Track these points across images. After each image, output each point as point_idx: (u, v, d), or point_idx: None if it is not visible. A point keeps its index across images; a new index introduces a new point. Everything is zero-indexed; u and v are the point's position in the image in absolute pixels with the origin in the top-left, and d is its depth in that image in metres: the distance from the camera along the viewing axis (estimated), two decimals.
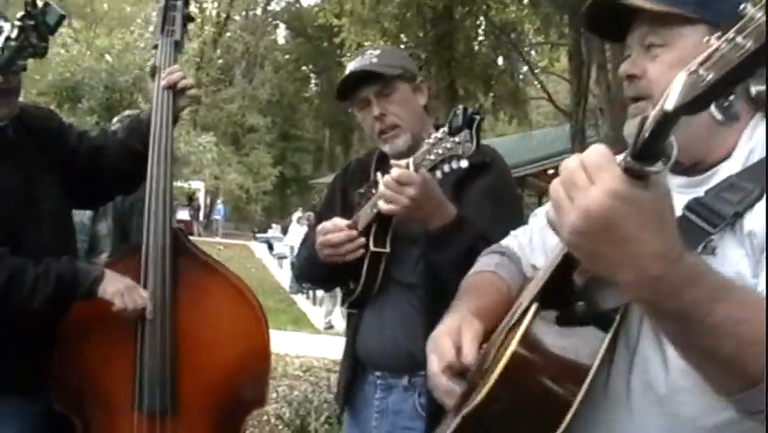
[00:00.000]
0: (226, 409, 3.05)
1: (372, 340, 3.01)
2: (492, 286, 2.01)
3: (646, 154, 1.13)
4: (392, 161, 2.70)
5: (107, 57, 26.02)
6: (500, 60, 16.47)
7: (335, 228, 2.86)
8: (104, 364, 3.00)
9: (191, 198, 40.41)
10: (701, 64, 1.04)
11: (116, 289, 2.84)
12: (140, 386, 2.94)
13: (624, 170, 1.15)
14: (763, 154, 1.58)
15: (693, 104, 1.05)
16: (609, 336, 1.52)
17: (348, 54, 14.64)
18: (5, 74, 2.45)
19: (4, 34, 2.46)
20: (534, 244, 2.10)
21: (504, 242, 2.23)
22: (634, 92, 1.73)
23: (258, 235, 36.75)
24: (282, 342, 11.76)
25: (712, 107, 1.06)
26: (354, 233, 2.83)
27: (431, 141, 2.48)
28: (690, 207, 1.56)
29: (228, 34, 51.27)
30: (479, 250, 2.27)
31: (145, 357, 2.94)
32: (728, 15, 1.63)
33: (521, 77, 17.73)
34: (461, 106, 2.45)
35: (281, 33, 57.08)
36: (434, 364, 1.76)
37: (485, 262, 2.17)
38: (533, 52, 17.90)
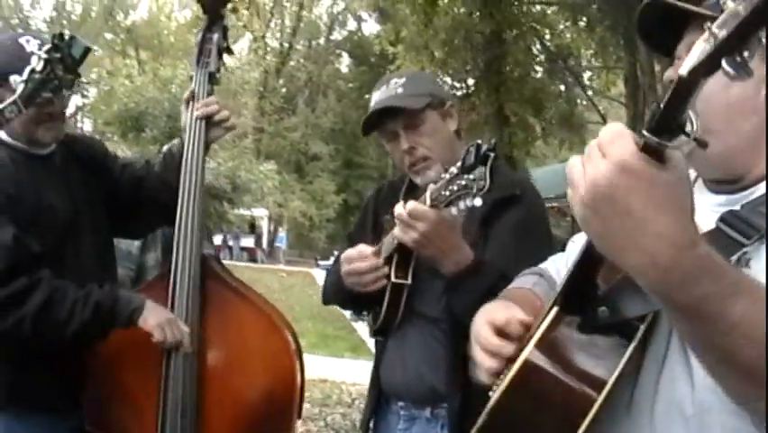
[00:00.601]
0: None
1: (395, 371, 2.96)
2: (526, 300, 1.92)
3: (664, 127, 1.08)
4: (401, 204, 2.62)
5: (171, 87, 26.46)
6: (554, 85, 16.37)
7: (359, 257, 2.83)
8: (132, 389, 3.03)
9: (253, 226, 40.75)
10: (717, 26, 1.00)
11: (158, 321, 2.87)
12: (163, 414, 2.95)
13: (642, 146, 1.10)
14: None
15: (706, 62, 1.00)
16: (632, 346, 1.45)
17: None
18: (28, 106, 2.47)
19: (30, 66, 2.49)
20: None
21: (542, 265, 2.17)
22: None
23: (320, 263, 36.83)
24: (339, 369, 11.75)
25: (723, 63, 0.99)
26: (379, 262, 2.78)
27: (447, 176, 2.42)
28: (725, 219, 1.49)
29: (291, 63, 51.77)
30: (500, 289, 2.17)
31: (170, 385, 2.95)
32: None
33: (578, 101, 17.61)
34: (475, 143, 2.37)
35: (344, 62, 57.41)
36: (483, 329, 1.72)
37: (522, 281, 2.12)
38: (587, 76, 17.76)
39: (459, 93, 15.86)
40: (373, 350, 3.18)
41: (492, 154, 2.34)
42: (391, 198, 3.05)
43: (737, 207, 1.51)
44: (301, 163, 49.52)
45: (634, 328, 1.44)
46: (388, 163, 54.79)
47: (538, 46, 15.77)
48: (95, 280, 2.96)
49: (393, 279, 2.79)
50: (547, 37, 15.42)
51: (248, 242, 42.46)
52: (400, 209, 2.56)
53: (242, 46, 47.74)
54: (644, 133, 1.09)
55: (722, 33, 0.98)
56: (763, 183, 1.53)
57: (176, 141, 3.37)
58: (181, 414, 2.94)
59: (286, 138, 48.73)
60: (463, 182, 2.34)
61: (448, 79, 15.43)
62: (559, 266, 2.10)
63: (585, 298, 1.48)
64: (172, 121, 24.88)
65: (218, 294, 3.08)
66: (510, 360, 1.61)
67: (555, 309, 1.53)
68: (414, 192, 2.84)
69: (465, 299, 2.36)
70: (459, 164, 2.37)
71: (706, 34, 1.01)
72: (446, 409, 2.75)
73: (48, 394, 2.97)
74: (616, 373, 1.43)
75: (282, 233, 44.73)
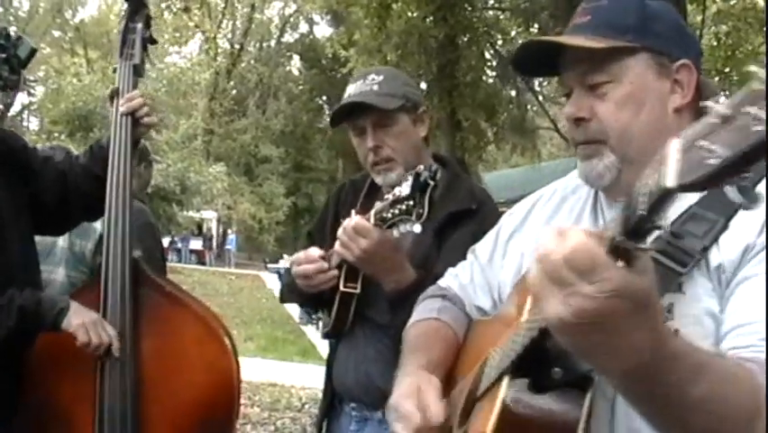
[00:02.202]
0: None
1: (347, 373, 2.96)
2: (437, 334, 1.95)
3: (640, 232, 1.05)
4: (353, 214, 2.65)
5: None
6: (506, 90, 16.51)
7: (306, 260, 2.82)
8: (65, 398, 2.94)
9: (201, 228, 40.62)
10: (705, 136, 0.93)
11: (81, 321, 2.78)
12: (100, 418, 2.88)
13: (612, 248, 1.08)
14: None
15: (705, 183, 0.94)
16: (589, 396, 1.44)
17: None
18: None
19: None
20: (477, 283, 2.05)
21: (443, 282, 2.18)
22: (584, 136, 1.68)
23: (269, 266, 36.76)
24: (289, 373, 11.73)
25: (727, 189, 0.96)
26: (325, 265, 2.78)
27: (390, 197, 2.45)
28: (659, 248, 1.46)
29: (242, 65, 51.69)
30: None
31: (105, 392, 2.88)
32: (668, 37, 1.58)
33: (529, 107, 17.76)
34: (414, 171, 2.41)
35: (295, 64, 57.37)
36: (401, 431, 1.70)
37: (426, 307, 2.10)
38: (538, 82, 17.91)
39: None
40: (323, 354, 3.17)
41: (432, 183, 2.38)
42: (352, 198, 3.10)
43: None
44: (251, 166, 49.49)
45: (589, 379, 1.44)
46: (339, 166, 55.02)
47: (491, 51, 15.86)
48: (21, 282, 2.88)
49: (342, 288, 2.81)
50: (500, 42, 15.52)
51: (196, 244, 42.23)
52: (346, 224, 2.59)
53: (192, 47, 47.61)
54: (621, 238, 1.07)
55: (720, 151, 0.91)
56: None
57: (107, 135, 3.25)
58: (120, 420, 2.88)
59: (236, 140, 48.71)
60: (404, 207, 2.39)
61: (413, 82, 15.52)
62: (462, 281, 2.11)
63: (537, 361, 1.47)
64: None
65: (151, 298, 3.01)
66: None
67: (507, 379, 1.52)
68: (374, 194, 2.87)
69: (407, 314, 2.30)
70: (401, 189, 2.41)
71: (687, 135, 0.96)
72: None
73: None
74: (583, 418, 1.43)
75: (231, 235, 44.55)
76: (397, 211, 2.41)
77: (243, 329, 17.98)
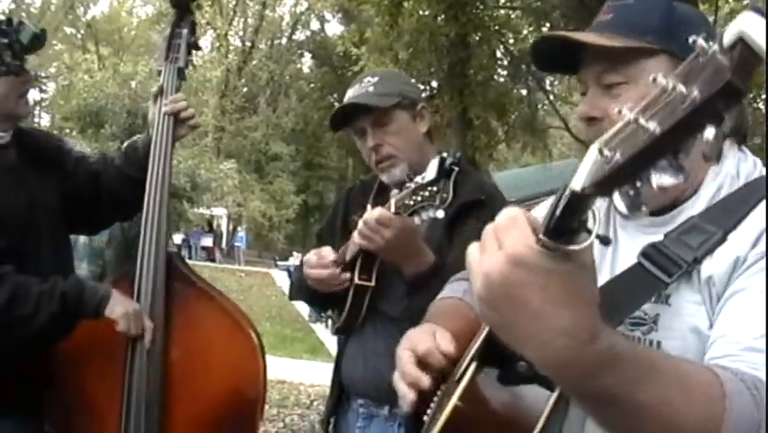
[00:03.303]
0: None
1: (356, 368, 3.00)
2: (457, 311, 1.92)
3: (561, 231, 1.02)
4: (369, 208, 2.69)
5: (132, 83, 26.39)
6: (517, 89, 16.47)
7: (319, 264, 2.89)
8: (92, 388, 2.98)
9: (211, 225, 40.67)
10: (612, 141, 0.93)
11: (125, 310, 2.84)
12: (127, 410, 2.92)
13: (541, 246, 1.04)
14: (731, 190, 1.53)
15: (598, 187, 0.93)
16: (555, 394, 1.43)
17: None
18: None
19: None
20: None
21: None
22: (596, 136, 1.65)
23: (279, 264, 36.79)
24: (297, 371, 11.78)
25: (615, 196, 0.94)
26: (337, 271, 2.85)
27: (412, 185, 2.46)
28: (646, 253, 1.50)
29: (253, 62, 51.73)
30: None
31: (133, 382, 2.92)
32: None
33: (540, 106, 17.73)
34: (440, 155, 2.42)
35: (306, 62, 57.45)
36: (405, 355, 1.71)
37: (451, 288, 2.12)
38: (549, 81, 17.86)
39: (423, 95, 15.98)
40: (331, 352, 3.19)
41: (456, 168, 2.39)
42: (361, 198, 3.15)
43: (658, 236, 1.51)
44: (261, 163, 49.53)
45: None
46: (349, 164, 55.09)
47: (502, 50, 15.82)
48: (53, 274, 2.92)
49: (357, 280, 2.85)
50: (511, 41, 15.49)
51: (206, 241, 42.27)
52: (367, 216, 2.62)
53: (204, 44, 47.75)
54: (541, 237, 1.03)
55: (617, 157, 0.91)
56: (688, 203, 1.56)
57: (137, 136, 3.34)
58: (145, 414, 2.91)
59: (246, 137, 48.74)
60: (427, 193, 2.40)
61: (412, 81, 15.51)
62: None
63: (503, 353, 1.41)
64: (132, 117, 24.86)
65: (183, 292, 3.05)
66: (430, 393, 1.66)
67: (474, 364, 1.54)
68: (384, 193, 2.88)
69: (425, 298, 2.34)
70: (423, 175, 2.42)
71: (604, 138, 0.95)
72: None
73: (9, 396, 2.90)
74: (542, 420, 1.42)
75: (241, 232, 44.58)
76: (419, 198, 2.42)
77: None
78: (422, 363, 1.67)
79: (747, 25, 0.86)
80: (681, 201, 1.57)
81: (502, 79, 16.27)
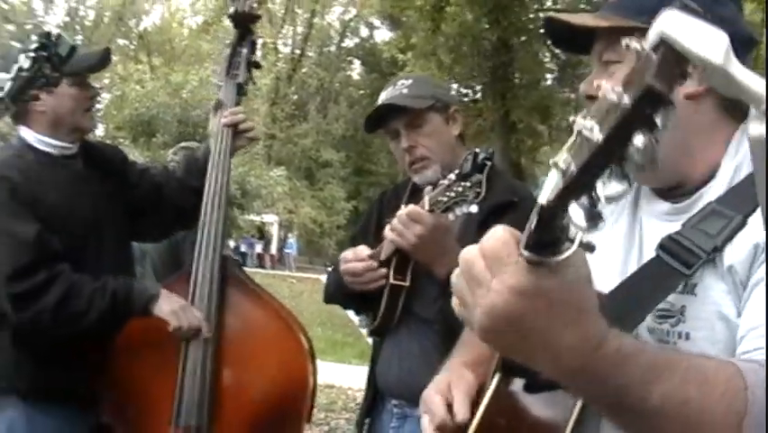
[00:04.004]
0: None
1: (390, 369, 3.03)
2: None
3: (542, 244, 1.01)
4: (403, 206, 2.71)
5: (182, 92, 26.58)
6: (562, 92, 16.33)
7: (355, 257, 2.91)
8: (148, 380, 3.14)
9: (262, 232, 40.80)
10: (568, 151, 0.92)
11: (172, 308, 3.00)
12: (179, 403, 3.05)
13: (524, 260, 1.04)
14: (749, 172, 1.43)
15: (560, 200, 0.91)
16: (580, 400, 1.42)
17: None
18: (16, 101, 2.53)
19: (18, 65, 2.53)
20: None
21: None
22: None
23: (330, 270, 36.75)
24: (346, 375, 11.76)
25: (572, 208, 0.89)
26: (374, 263, 2.86)
27: (446, 182, 2.50)
28: (664, 246, 1.45)
29: (303, 70, 51.80)
30: None
31: (187, 376, 3.05)
32: None
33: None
34: (472, 151, 2.45)
35: (355, 69, 57.37)
36: (427, 425, 1.71)
37: None
38: None
39: (466, 99, 15.98)
40: None
41: (489, 163, 2.41)
42: (394, 201, 3.16)
43: (678, 225, 1.47)
44: (312, 170, 49.47)
45: None
46: (399, 170, 54.87)
47: (547, 53, 15.71)
48: None
49: (392, 280, 2.87)
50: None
51: (257, 247, 42.40)
52: (400, 212, 2.65)
53: (256, 49, 47.93)
54: (522, 252, 1.03)
55: (571, 170, 0.88)
56: (707, 187, 1.50)
57: (194, 145, 3.46)
58: (197, 408, 3.03)
59: (297, 144, 48.74)
60: (460, 189, 2.43)
61: (455, 85, 15.49)
62: None
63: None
64: (183, 126, 25.05)
65: (236, 294, 3.19)
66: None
67: (497, 376, 1.55)
68: (417, 195, 2.89)
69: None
70: (457, 171, 2.45)
71: (560, 161, 0.92)
72: None
73: (68, 386, 3.10)
74: (570, 424, 1.41)
75: (292, 239, 44.67)
76: (453, 194, 2.46)
77: None
78: (443, 428, 1.67)
79: (668, 24, 0.86)
80: (700, 185, 1.52)
81: (548, 82, 16.14)
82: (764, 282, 1.34)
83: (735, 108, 1.45)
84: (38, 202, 3.00)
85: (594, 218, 0.89)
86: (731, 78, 0.92)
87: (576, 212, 0.89)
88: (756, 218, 1.38)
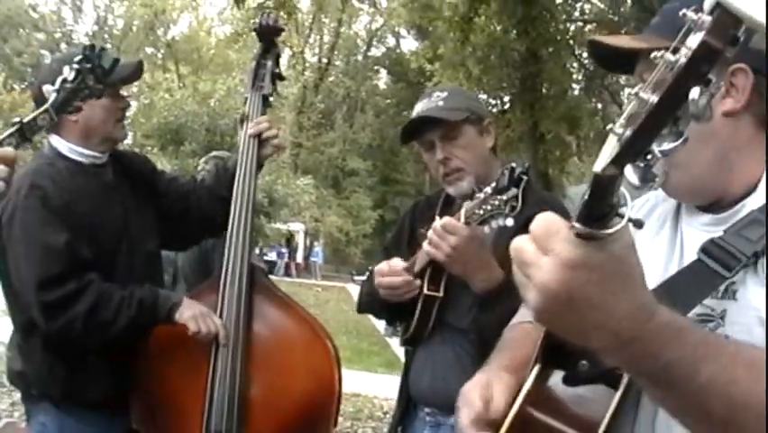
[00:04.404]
0: None
1: (423, 378, 3.05)
2: (528, 337, 1.88)
3: (593, 216, 1.03)
4: (437, 220, 2.72)
5: (210, 101, 26.65)
6: (590, 103, 16.28)
7: (391, 272, 2.93)
8: (177, 386, 3.17)
9: (289, 240, 40.85)
10: (623, 120, 0.96)
11: (192, 313, 3.04)
12: (209, 409, 3.08)
13: (576, 235, 1.06)
14: None
15: (615, 163, 0.95)
16: (619, 393, 1.46)
17: None
18: (60, 113, 2.57)
19: (62, 76, 2.57)
20: None
21: None
22: None
23: (356, 278, 36.71)
24: (373, 384, 11.77)
25: (627, 169, 0.95)
26: (410, 278, 2.89)
27: (481, 195, 2.53)
28: (705, 249, 1.47)
29: (330, 79, 51.91)
30: None
31: (216, 382, 3.08)
32: None
33: (614, 119, 17.57)
34: (509, 165, 2.48)
35: (382, 78, 57.42)
36: (464, 417, 1.72)
37: (524, 312, 2.09)
38: (625, 94, 17.65)
39: (495, 110, 15.97)
40: None
41: (525, 177, 2.44)
42: (427, 213, 3.20)
43: (720, 232, 1.49)
44: (338, 178, 49.55)
45: (617, 377, 1.46)
46: (426, 180, 54.71)
47: (575, 64, 15.68)
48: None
49: (426, 291, 2.90)
50: (585, 54, 15.38)
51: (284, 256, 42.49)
52: (436, 224, 2.67)
53: (281, 61, 48.07)
54: (575, 224, 1.05)
55: (626, 134, 0.93)
56: (749, 199, 1.53)
57: (224, 154, 3.51)
58: (227, 414, 3.06)
59: (323, 153, 48.89)
60: (497, 202, 2.46)
61: (484, 96, 15.48)
62: None
63: (564, 352, 1.49)
64: (211, 135, 25.10)
65: (264, 302, 3.23)
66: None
67: (537, 367, 1.57)
68: (449, 207, 2.96)
69: (493, 317, 2.39)
70: (493, 185, 2.48)
71: (616, 128, 0.97)
72: None
73: (100, 392, 3.14)
74: (607, 417, 1.45)
75: (318, 247, 44.71)
76: (489, 207, 2.49)
77: None
78: (479, 422, 1.69)
79: None
80: (741, 197, 1.55)
81: (576, 93, 16.10)
82: None
83: None
84: (69, 211, 3.01)
85: (647, 179, 0.94)
86: None
87: (630, 174, 0.94)
88: None
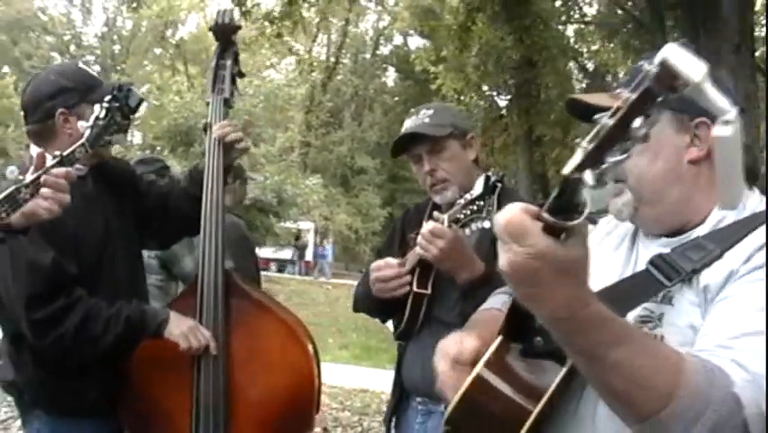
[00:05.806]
0: None
1: (415, 370, 3.30)
2: (494, 320, 2.08)
3: (559, 209, 1.31)
4: (435, 214, 3.03)
5: None
6: None
7: (386, 265, 3.22)
8: (165, 394, 3.28)
9: (297, 238, 40.76)
10: (589, 136, 1.26)
11: (181, 330, 3.13)
12: (196, 415, 3.22)
13: (543, 223, 1.33)
14: (737, 219, 1.78)
15: (578, 169, 1.24)
16: (566, 369, 1.72)
17: (449, 101, 14.99)
18: (93, 147, 2.80)
19: (95, 114, 2.84)
20: None
21: None
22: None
23: (359, 279, 36.52)
24: (380, 380, 11.87)
25: (586, 173, 1.23)
26: (402, 270, 3.17)
27: (462, 201, 2.85)
28: (653, 261, 1.78)
29: (338, 78, 51.55)
30: None
31: (201, 389, 3.21)
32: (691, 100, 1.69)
33: None
34: (485, 174, 2.80)
35: (390, 76, 57.09)
36: (441, 363, 1.97)
37: (493, 301, 2.37)
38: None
39: (492, 115, 16.08)
40: None
41: (500, 185, 2.78)
42: (417, 219, 3.49)
43: (668, 250, 1.81)
44: (347, 177, 49.05)
45: (565, 355, 1.69)
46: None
47: (575, 65, 15.79)
48: (128, 293, 3.25)
49: (415, 289, 3.19)
50: (586, 55, 15.50)
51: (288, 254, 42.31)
52: (424, 229, 2.97)
53: (288, 60, 47.87)
54: (543, 214, 1.34)
55: (590, 147, 1.24)
56: (698, 228, 1.84)
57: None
58: (213, 418, 3.19)
59: (332, 152, 48.46)
60: (475, 207, 2.80)
61: (482, 102, 15.59)
62: None
63: (524, 328, 1.76)
64: None
65: (241, 305, 3.33)
66: None
67: (499, 338, 1.83)
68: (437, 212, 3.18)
69: (476, 304, 2.55)
70: (472, 192, 2.81)
71: (584, 143, 1.27)
72: None
73: (90, 399, 3.19)
74: (552, 387, 1.71)
75: (328, 245, 44.61)
76: (468, 211, 2.80)
77: (339, 338, 18.25)
78: (456, 363, 1.94)
79: (668, 51, 1.21)
80: (692, 228, 1.83)
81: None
82: (727, 299, 1.65)
83: None
84: (54, 227, 2.84)
85: (600, 182, 1.23)
86: (704, 93, 1.26)
87: (588, 176, 1.23)
88: (734, 252, 1.70)
